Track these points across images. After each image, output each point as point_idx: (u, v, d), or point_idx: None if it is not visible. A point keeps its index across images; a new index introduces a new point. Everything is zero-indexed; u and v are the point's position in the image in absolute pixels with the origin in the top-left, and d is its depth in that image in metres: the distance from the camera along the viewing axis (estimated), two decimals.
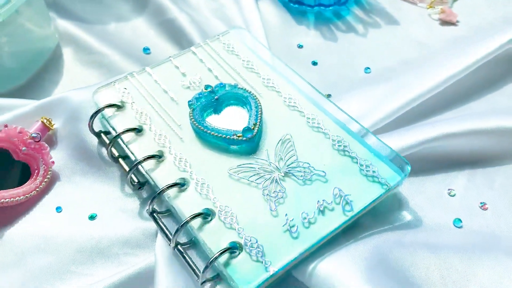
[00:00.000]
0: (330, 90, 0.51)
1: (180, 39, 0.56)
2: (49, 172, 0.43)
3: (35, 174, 0.43)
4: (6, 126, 0.42)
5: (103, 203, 0.42)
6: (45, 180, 0.42)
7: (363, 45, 0.57)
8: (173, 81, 0.47)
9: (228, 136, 0.41)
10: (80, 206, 0.42)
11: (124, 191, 0.43)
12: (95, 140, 0.45)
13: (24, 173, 0.43)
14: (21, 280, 0.37)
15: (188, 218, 0.36)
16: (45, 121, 0.46)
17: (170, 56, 0.49)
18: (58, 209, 0.42)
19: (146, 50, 0.56)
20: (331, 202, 0.38)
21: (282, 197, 0.38)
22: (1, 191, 0.41)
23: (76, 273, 0.38)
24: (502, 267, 0.37)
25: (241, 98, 0.44)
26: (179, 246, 0.37)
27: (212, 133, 0.41)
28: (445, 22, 0.59)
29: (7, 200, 0.40)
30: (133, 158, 0.42)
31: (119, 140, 0.43)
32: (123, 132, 0.42)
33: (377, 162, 0.40)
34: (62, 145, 0.46)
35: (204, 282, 0.35)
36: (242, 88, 0.45)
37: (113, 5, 0.61)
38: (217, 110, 0.44)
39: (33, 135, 0.43)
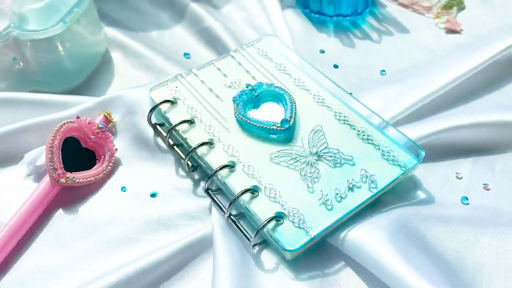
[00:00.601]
0: (351, 90, 0.58)
1: (216, 45, 0.64)
2: (113, 158, 0.50)
3: (102, 159, 0.50)
4: (78, 117, 0.49)
5: (161, 183, 0.49)
6: (110, 164, 0.49)
7: (378, 51, 0.64)
8: (217, 81, 0.54)
9: (268, 127, 0.48)
10: (142, 186, 0.49)
11: (179, 173, 0.50)
12: (150, 131, 0.52)
13: (90, 159, 0.50)
14: (97, 247, 0.44)
15: (240, 193, 0.43)
16: (106, 114, 0.53)
17: (213, 60, 0.56)
18: (123, 189, 0.49)
19: (186, 55, 0.63)
20: (359, 181, 0.45)
21: (316, 177, 0.45)
22: (76, 172, 0.48)
23: (144, 240, 0.44)
24: (502, 235, 0.44)
25: (277, 95, 0.51)
26: (232, 216, 0.44)
27: (255, 124, 0.48)
28: (450, 31, 0.67)
29: (81, 180, 0.47)
30: (187, 145, 0.49)
31: (173, 131, 0.50)
32: (179, 124, 0.49)
33: (396, 148, 0.47)
34: (122, 135, 0.53)
35: (255, 245, 0.42)
36: (277, 87, 0.52)
37: (154, 15, 0.68)
38: (256, 105, 0.51)
39: (100, 125, 0.50)
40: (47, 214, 0.46)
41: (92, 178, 0.48)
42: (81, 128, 0.49)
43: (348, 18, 0.68)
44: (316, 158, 0.47)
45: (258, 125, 0.48)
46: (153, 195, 0.48)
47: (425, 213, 0.45)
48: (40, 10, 0.57)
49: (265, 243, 0.43)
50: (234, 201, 0.43)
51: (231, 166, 0.46)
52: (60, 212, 0.47)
